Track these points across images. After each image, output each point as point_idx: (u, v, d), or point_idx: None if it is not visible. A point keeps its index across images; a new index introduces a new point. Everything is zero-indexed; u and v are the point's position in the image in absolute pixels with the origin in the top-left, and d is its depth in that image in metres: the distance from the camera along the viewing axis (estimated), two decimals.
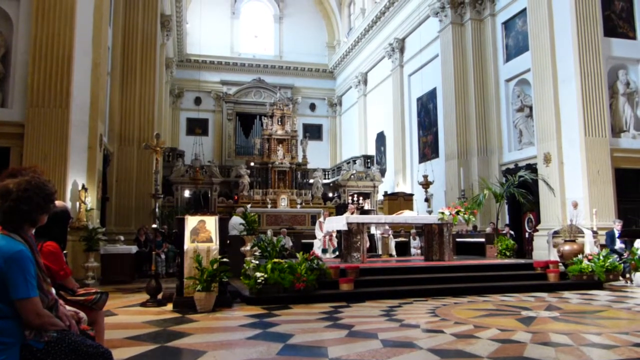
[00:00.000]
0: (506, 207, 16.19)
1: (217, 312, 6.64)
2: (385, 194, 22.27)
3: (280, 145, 22.79)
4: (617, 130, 13.87)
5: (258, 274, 7.42)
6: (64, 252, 3.46)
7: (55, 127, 9.87)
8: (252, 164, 23.19)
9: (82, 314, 2.65)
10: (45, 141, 9.78)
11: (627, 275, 9.87)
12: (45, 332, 2.21)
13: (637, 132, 13.95)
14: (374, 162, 26.56)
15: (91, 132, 10.66)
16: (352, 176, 23.32)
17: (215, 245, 7.21)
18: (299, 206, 21.48)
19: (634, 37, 14.21)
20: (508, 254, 11.51)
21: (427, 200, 15.77)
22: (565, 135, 13.45)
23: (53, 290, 2.49)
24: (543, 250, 12.91)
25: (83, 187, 10.31)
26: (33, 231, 2.42)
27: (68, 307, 2.58)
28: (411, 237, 14.90)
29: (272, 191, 22.03)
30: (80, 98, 10.41)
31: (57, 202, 2.86)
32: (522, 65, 16.04)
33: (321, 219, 13.08)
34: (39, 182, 2.34)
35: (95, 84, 10.84)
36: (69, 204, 9.64)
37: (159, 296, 7.49)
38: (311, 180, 23.49)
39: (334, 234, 12.58)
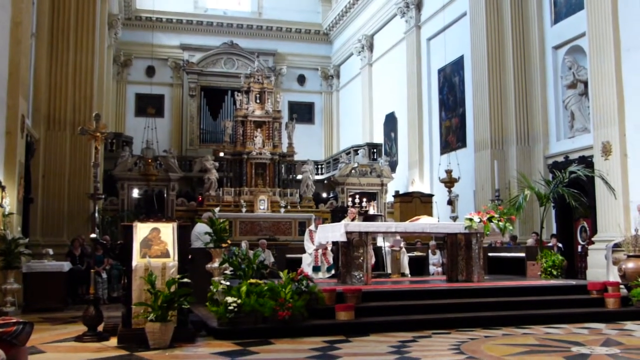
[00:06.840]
0: (553, 212, 16.30)
1: (176, 348, 6.66)
2: (397, 195, 22.36)
3: (259, 129, 22.77)
4: None
5: (229, 299, 7.44)
6: None
7: None
8: (221, 154, 23.14)
9: None
10: None
11: None
12: None
13: None
14: (382, 152, 26.62)
15: (10, 112, 10.57)
16: (352, 171, 23.35)
17: (173, 261, 7.22)
18: (282, 210, 21.49)
19: None
20: (555, 273, 11.60)
21: (450, 202, 15.89)
22: (630, 120, 13.54)
23: None
24: (600, 269, 13.03)
25: None
26: None
27: None
28: (430, 251, 14.97)
29: (248, 190, 22.03)
30: None
31: None
32: (576, 29, 16.12)
33: (312, 227, 13.11)
34: None
35: (16, 49, 10.73)
36: None
37: (100, 328, 7.49)
38: (299, 176, 23.50)
39: (329, 247, 12.61)
